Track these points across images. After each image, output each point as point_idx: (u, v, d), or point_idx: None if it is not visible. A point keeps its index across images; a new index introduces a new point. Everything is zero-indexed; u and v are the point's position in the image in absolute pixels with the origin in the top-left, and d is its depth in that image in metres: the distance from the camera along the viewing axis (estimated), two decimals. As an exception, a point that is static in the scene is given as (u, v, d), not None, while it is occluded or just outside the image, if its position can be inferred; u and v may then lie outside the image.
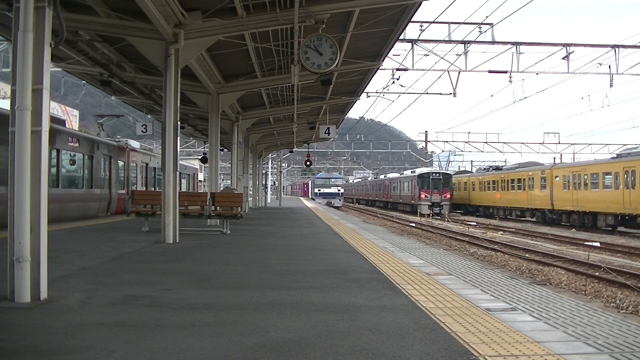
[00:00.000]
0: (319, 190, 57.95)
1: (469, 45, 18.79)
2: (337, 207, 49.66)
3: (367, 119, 60.42)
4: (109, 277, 6.45)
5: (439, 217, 38.07)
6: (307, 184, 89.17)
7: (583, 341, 3.82)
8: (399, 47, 18.78)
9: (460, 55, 18.99)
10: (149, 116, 22.52)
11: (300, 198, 71.69)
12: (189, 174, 32.65)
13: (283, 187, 68.47)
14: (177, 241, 10.47)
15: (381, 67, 17.20)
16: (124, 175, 21.84)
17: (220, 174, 22.78)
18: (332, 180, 59.59)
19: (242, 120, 20.94)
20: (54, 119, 14.02)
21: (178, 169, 10.75)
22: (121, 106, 28.60)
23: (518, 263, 15.34)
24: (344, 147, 67.73)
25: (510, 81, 19.96)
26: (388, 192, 53.63)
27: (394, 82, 20.15)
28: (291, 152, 44.28)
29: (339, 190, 58.10)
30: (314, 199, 58.97)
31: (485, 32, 17.68)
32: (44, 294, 4.99)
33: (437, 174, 41.85)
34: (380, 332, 4.07)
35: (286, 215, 23.85)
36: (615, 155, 27.59)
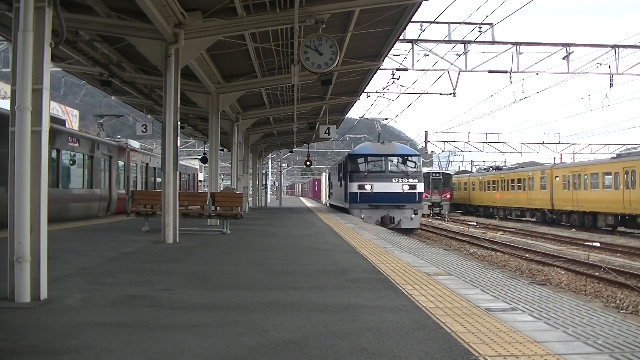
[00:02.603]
0: (361, 186, 23.35)
1: (469, 45, 18.80)
2: (411, 231, 22.61)
3: (367, 119, 60.18)
4: (109, 277, 6.45)
5: (439, 217, 38.09)
6: (319, 180, 60.32)
7: (583, 341, 3.81)
8: (399, 47, 18.79)
9: (460, 55, 19.00)
10: (149, 116, 22.53)
11: (301, 198, 70.18)
12: (189, 174, 32.65)
13: (284, 187, 66.23)
14: (177, 241, 10.46)
15: (381, 67, 17.21)
16: (124, 175, 21.85)
17: (220, 174, 22.76)
18: (396, 161, 24.18)
19: (242, 120, 20.94)
20: (54, 119, 14.03)
21: (178, 169, 10.75)
22: (121, 106, 28.62)
23: (518, 263, 15.35)
24: (344, 147, 67.07)
25: (510, 81, 19.98)
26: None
27: (394, 82, 20.17)
28: (291, 152, 44.27)
29: (412, 190, 23.20)
30: (345, 209, 25.14)
31: (485, 32, 17.71)
32: (44, 294, 4.99)
33: (437, 174, 41.85)
34: (380, 332, 4.07)
35: (286, 215, 23.84)
36: (615, 155, 27.62)
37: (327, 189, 41.82)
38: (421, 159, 24.31)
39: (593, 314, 4.67)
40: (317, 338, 3.90)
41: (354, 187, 23.29)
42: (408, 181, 23.14)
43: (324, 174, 54.13)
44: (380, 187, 22.90)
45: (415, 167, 23.97)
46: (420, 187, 23.46)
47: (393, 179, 23.04)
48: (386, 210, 22.83)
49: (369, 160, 23.91)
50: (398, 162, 23.96)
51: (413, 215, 22.90)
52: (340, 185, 27.00)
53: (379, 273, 6.87)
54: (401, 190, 22.88)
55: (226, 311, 4.78)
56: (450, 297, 5.36)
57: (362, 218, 21.41)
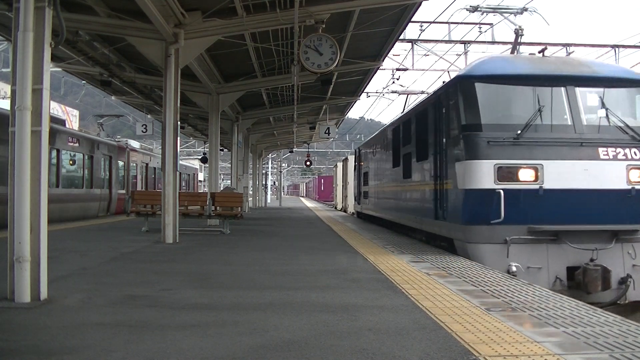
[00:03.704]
0: (508, 171, 7.41)
1: (468, 45, 18.77)
2: None
3: (367, 119, 60.30)
4: (108, 277, 6.45)
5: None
6: (330, 178, 44.95)
7: (583, 341, 3.81)
8: (399, 47, 18.82)
9: (460, 55, 18.98)
10: (149, 116, 22.53)
11: (302, 199, 69.80)
12: (189, 174, 32.66)
13: (286, 187, 65.73)
14: (177, 241, 10.46)
15: (381, 67, 17.21)
16: (124, 175, 21.85)
17: (220, 174, 22.77)
18: (598, 98, 7.71)
19: (242, 120, 20.95)
20: (54, 119, 14.03)
21: (178, 169, 10.76)
22: (121, 106, 28.61)
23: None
24: (344, 147, 66.84)
25: (511, 81, 19.87)
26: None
27: (394, 82, 20.17)
28: (291, 152, 44.25)
29: None
30: (431, 235, 10.06)
31: (485, 32, 17.69)
32: (44, 294, 4.99)
33: None
34: (381, 332, 4.07)
35: (286, 215, 23.85)
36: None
37: (354, 186, 23.05)
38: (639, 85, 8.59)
39: (593, 314, 4.67)
40: (317, 338, 3.90)
41: (478, 171, 7.88)
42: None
43: (339, 164, 31.74)
44: (564, 172, 7.79)
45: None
46: None
47: (600, 150, 7.86)
48: (583, 244, 7.67)
49: (524, 94, 8.23)
50: (605, 100, 8.18)
51: None
52: (406, 176, 11.97)
53: (379, 273, 6.87)
54: (626, 186, 7.82)
55: (226, 311, 4.78)
56: (450, 297, 5.36)
57: (512, 271, 7.50)
